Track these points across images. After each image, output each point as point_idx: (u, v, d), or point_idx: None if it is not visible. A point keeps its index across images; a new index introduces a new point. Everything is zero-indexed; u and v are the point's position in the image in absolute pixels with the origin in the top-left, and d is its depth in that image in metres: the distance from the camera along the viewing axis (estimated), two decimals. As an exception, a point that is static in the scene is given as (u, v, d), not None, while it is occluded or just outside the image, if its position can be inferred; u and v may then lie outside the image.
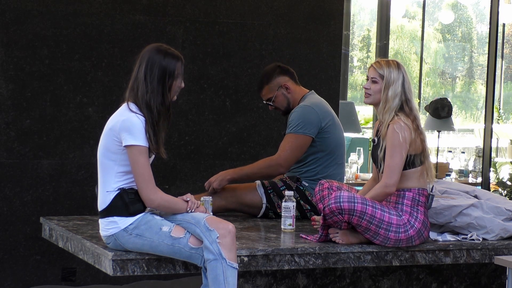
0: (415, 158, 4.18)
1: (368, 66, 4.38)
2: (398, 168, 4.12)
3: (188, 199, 3.87)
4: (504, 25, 13.57)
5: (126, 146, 3.74)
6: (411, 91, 4.28)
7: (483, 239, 4.43)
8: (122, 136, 3.74)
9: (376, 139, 4.30)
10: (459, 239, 4.41)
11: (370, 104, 4.32)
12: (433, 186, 4.36)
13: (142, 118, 3.76)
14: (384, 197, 4.18)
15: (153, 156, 3.87)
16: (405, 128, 4.13)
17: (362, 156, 7.78)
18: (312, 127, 4.83)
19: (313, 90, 5.12)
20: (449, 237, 4.43)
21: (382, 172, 4.19)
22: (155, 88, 3.80)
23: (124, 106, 3.83)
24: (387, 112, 4.20)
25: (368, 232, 4.11)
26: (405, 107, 4.22)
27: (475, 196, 4.65)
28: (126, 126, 3.74)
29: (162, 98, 3.80)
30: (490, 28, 7.47)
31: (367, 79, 4.30)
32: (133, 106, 3.79)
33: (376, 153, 4.26)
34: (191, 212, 3.83)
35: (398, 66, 4.26)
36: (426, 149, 4.23)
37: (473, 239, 4.40)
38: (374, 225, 4.08)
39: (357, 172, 7.74)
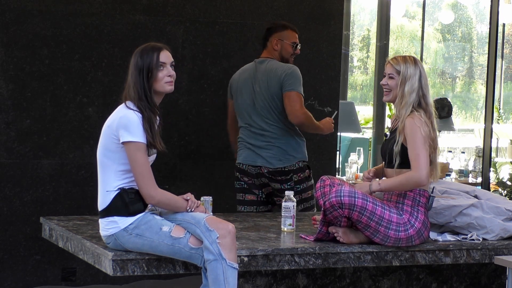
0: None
1: (385, 63, 4.35)
2: (425, 159, 4.09)
3: (188, 198, 3.87)
4: (504, 25, 13.56)
5: (123, 143, 3.74)
6: (428, 87, 4.26)
7: (483, 239, 4.43)
8: (120, 133, 3.75)
9: (389, 133, 4.30)
10: (459, 239, 4.41)
11: (389, 101, 4.31)
12: (433, 187, 4.35)
13: (139, 115, 3.76)
14: (413, 187, 4.15)
15: (154, 156, 3.87)
16: (424, 124, 4.13)
17: (362, 156, 7.77)
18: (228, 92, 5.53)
19: (262, 58, 5.39)
20: (449, 237, 4.42)
21: (397, 168, 4.20)
22: (139, 88, 3.81)
23: (121, 105, 3.85)
24: (404, 107, 4.20)
25: (368, 229, 4.11)
26: (422, 102, 4.22)
27: (475, 196, 4.64)
28: (123, 123, 3.75)
29: (145, 97, 3.81)
30: (490, 28, 7.47)
31: (384, 76, 4.30)
32: (130, 104, 3.81)
33: (387, 146, 4.25)
34: (191, 211, 3.83)
35: (415, 61, 4.26)
36: (437, 147, 4.22)
37: (473, 239, 4.40)
38: (374, 222, 4.08)
39: (357, 172, 7.73)
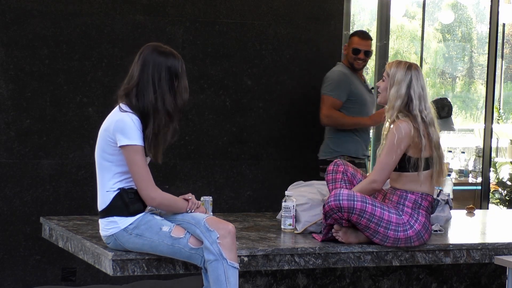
0: (419, 162, 4.15)
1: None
2: (388, 167, 4.13)
3: (189, 197, 3.87)
4: (504, 25, 13.54)
5: (121, 147, 3.73)
6: (422, 95, 4.18)
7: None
8: (117, 137, 3.73)
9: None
10: None
11: (380, 103, 4.32)
12: (440, 190, 4.33)
13: (134, 117, 3.74)
14: (370, 192, 4.17)
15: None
16: (405, 130, 4.10)
17: (362, 156, 7.75)
18: None
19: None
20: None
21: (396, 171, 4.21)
22: (166, 91, 3.78)
23: (116, 108, 3.83)
24: (389, 111, 4.20)
25: (368, 230, 4.11)
26: (411, 109, 4.17)
27: None
28: (119, 126, 3.73)
29: (174, 100, 3.79)
30: (490, 28, 7.47)
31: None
32: (124, 107, 3.79)
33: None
34: (191, 212, 3.83)
35: (409, 67, 4.20)
36: (435, 154, 4.18)
37: (436, 231, 4.47)
38: (373, 223, 4.08)
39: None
